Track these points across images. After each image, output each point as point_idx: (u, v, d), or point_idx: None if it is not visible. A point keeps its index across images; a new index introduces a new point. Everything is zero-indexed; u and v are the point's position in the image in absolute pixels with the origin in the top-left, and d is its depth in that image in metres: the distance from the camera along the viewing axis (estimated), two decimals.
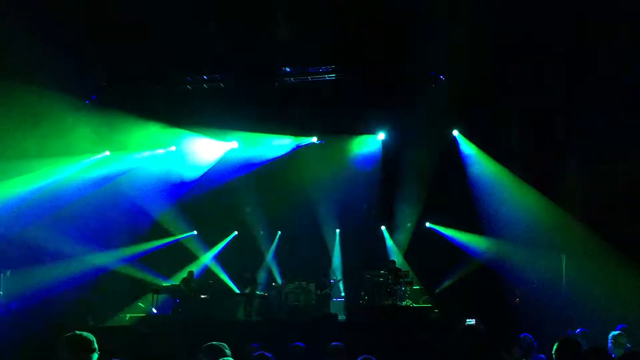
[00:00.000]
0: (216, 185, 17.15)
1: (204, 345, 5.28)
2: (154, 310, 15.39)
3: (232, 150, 17.49)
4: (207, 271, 17.80)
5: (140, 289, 16.60)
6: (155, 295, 15.44)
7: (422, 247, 16.59)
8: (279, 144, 17.31)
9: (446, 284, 15.96)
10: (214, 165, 17.48)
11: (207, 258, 18.05)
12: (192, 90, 15.92)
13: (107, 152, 16.67)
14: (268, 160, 17.31)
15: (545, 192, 14.48)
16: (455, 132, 16.34)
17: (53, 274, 14.57)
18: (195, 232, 18.09)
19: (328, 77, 15.40)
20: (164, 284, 16.29)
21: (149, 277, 16.85)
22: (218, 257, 18.17)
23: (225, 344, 5.18)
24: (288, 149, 17.33)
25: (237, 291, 16.48)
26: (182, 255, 17.61)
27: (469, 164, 16.06)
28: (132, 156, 16.88)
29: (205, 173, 17.45)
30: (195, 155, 17.44)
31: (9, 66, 13.08)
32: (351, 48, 14.33)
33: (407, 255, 16.90)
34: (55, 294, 14.19)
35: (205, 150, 17.45)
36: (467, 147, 16.17)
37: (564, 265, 13.97)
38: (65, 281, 14.67)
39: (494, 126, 15.70)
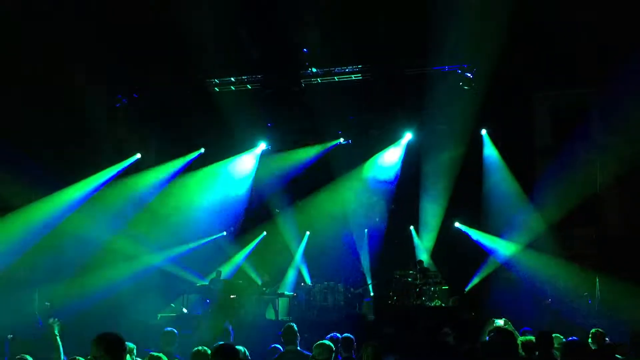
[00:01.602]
0: (260, 202, 17.80)
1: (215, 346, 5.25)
2: (185, 310, 15.59)
3: (266, 163, 17.66)
4: (239, 271, 17.97)
5: (177, 288, 16.84)
6: (185, 296, 15.65)
7: (448, 247, 16.53)
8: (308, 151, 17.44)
9: (474, 281, 15.86)
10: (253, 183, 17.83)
11: (239, 258, 18.20)
12: (220, 93, 16.08)
13: (138, 155, 16.98)
14: (300, 169, 17.41)
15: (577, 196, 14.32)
16: (483, 132, 16.19)
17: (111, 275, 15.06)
18: (225, 233, 18.24)
19: (355, 77, 15.41)
20: (198, 284, 16.50)
21: (190, 277, 17.07)
22: (249, 257, 18.31)
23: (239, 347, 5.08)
24: (317, 154, 17.40)
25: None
26: (218, 255, 17.84)
27: (492, 166, 15.98)
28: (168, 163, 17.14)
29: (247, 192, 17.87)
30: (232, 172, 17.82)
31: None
32: (376, 47, 14.37)
33: (433, 255, 16.82)
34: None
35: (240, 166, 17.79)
36: (492, 149, 16.05)
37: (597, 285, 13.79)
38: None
39: (524, 123, 15.50)
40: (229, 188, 17.89)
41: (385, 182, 17.28)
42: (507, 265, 15.52)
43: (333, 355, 6.54)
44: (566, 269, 14.40)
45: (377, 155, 17.32)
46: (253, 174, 17.82)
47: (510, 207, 15.45)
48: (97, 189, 15.71)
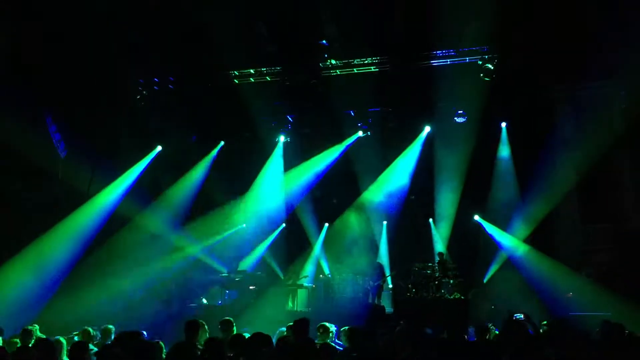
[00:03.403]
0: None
1: None
2: (204, 301, 15.72)
3: (292, 175, 17.83)
4: (261, 262, 18.10)
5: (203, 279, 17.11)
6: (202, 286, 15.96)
7: (463, 239, 16.48)
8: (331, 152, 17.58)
9: (490, 273, 15.80)
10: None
11: (260, 249, 18.31)
12: (239, 85, 16.11)
13: (159, 147, 17.23)
14: (323, 172, 17.60)
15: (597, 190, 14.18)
16: (503, 125, 16.05)
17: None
18: (244, 225, 18.31)
19: (373, 68, 15.31)
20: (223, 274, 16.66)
21: (218, 267, 17.25)
22: (270, 249, 18.43)
23: None
24: (340, 152, 17.49)
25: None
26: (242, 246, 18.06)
27: (508, 159, 15.96)
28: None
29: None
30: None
31: None
32: (396, 38, 14.28)
33: (449, 247, 16.76)
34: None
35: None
36: (508, 142, 16.04)
37: None
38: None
39: (544, 116, 15.31)
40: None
41: (404, 172, 17.27)
42: (514, 261, 15.54)
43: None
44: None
45: (396, 146, 17.28)
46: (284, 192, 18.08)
47: (522, 202, 15.46)
48: (136, 180, 16.75)
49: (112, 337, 8.68)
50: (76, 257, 15.21)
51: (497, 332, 9.19)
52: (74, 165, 15.58)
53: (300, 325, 7.45)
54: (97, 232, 15.69)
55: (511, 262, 15.61)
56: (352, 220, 17.87)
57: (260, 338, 5.88)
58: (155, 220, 16.52)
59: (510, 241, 15.88)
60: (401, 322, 11.68)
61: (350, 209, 17.80)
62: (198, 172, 17.50)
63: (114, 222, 16.09)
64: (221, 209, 17.82)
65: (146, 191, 16.88)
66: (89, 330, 8.90)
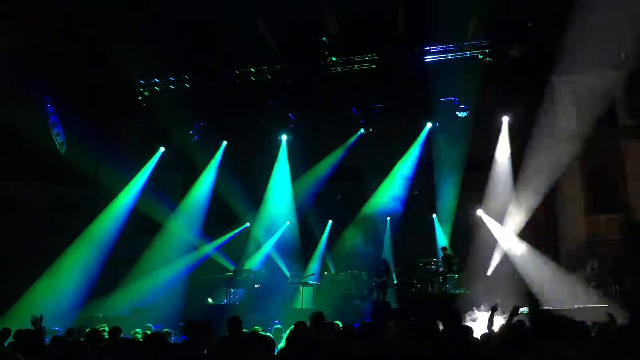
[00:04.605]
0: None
1: None
2: (210, 300, 15.73)
3: (301, 183, 18.01)
4: (266, 261, 18.14)
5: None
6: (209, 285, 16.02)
7: (464, 234, 16.47)
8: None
9: (494, 265, 15.84)
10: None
11: (266, 248, 18.34)
12: (240, 84, 16.10)
13: (162, 149, 17.29)
14: (330, 173, 17.69)
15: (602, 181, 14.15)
16: (505, 118, 16.02)
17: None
18: (248, 225, 18.33)
19: (374, 65, 15.25)
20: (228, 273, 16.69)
21: (228, 265, 17.39)
22: (275, 247, 18.45)
23: None
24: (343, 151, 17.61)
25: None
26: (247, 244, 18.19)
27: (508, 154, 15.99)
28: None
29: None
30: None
31: None
32: (396, 34, 14.28)
33: (453, 242, 16.76)
34: None
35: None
36: (508, 136, 16.02)
37: None
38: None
39: (547, 109, 15.26)
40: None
41: (407, 168, 17.26)
42: (514, 254, 15.57)
43: None
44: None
45: (398, 142, 17.29)
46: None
47: (522, 195, 15.46)
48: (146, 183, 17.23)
49: (121, 336, 8.71)
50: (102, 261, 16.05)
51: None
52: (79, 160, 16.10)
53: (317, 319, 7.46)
54: (119, 236, 16.50)
55: (511, 256, 15.59)
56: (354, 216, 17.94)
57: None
58: (178, 224, 17.18)
59: (510, 235, 15.86)
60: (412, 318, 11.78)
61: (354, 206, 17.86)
62: (208, 176, 17.75)
63: (134, 226, 16.88)
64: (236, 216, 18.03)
65: (162, 195, 17.19)
66: (97, 329, 8.92)
